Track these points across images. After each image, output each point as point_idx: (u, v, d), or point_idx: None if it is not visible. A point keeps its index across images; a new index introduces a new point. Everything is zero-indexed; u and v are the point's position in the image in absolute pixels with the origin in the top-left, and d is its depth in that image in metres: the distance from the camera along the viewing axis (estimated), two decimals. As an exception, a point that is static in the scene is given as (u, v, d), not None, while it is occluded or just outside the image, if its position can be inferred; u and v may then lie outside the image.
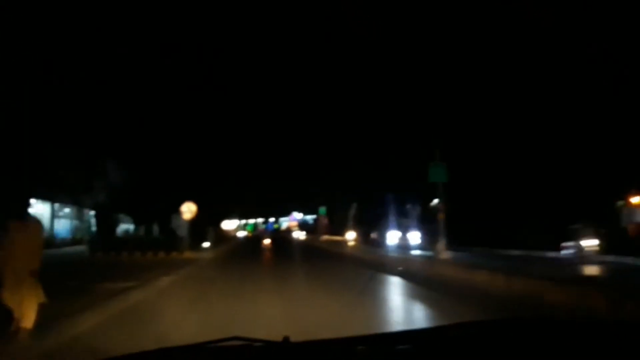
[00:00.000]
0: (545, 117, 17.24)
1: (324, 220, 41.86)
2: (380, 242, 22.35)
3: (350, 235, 27.76)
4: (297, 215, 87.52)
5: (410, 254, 16.14)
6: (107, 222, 21.31)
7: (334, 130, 39.49)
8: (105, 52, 23.73)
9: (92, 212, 24.01)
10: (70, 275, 11.64)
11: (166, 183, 28.86)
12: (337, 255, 21.78)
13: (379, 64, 24.36)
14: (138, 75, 26.02)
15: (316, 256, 21.48)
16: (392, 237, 21.48)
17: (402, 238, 21.30)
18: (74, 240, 26.50)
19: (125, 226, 36.74)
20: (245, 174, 53.25)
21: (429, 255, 14.29)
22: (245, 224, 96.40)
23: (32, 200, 23.52)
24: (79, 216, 28.40)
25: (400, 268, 13.15)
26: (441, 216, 13.05)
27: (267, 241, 35.71)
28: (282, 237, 57.97)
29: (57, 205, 26.36)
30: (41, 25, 20.70)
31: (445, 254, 12.83)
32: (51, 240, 24.22)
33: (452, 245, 13.56)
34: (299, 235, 57.17)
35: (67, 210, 28.24)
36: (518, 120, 17.58)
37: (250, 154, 52.24)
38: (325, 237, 38.84)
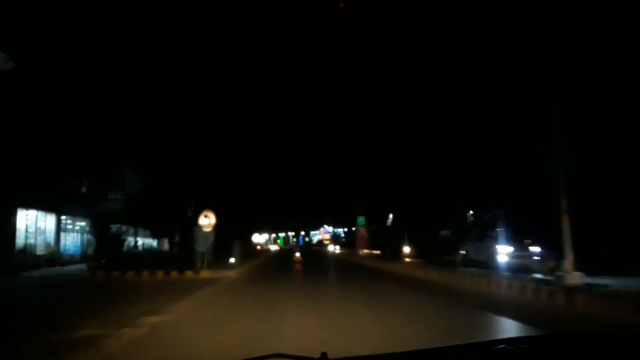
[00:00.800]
0: None
1: (363, 232, 37.31)
2: (482, 261, 15.66)
3: (406, 250, 23.15)
4: (328, 229, 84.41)
5: (526, 277, 11.25)
6: (111, 236, 18.04)
7: (366, 128, 35.42)
8: (121, 53, 21.37)
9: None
10: (28, 309, 8.33)
11: (189, 192, 25.87)
12: (391, 276, 16.97)
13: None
14: (161, 77, 23.65)
15: (366, 278, 16.72)
16: (503, 253, 14.59)
17: (520, 255, 14.40)
18: (84, 257, 23.46)
19: (148, 241, 34.11)
20: (276, 186, 50.31)
21: (547, 279, 9.98)
22: (276, 238, 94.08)
23: (34, 212, 20.72)
24: (92, 230, 25.46)
25: (505, 300, 8.94)
26: (566, 221, 8.76)
27: (298, 254, 32.80)
28: (315, 252, 54.14)
29: (65, 217, 23.47)
30: (57, 26, 18.46)
31: (576, 278, 8.59)
32: (56, 257, 21.27)
33: (586, 265, 9.05)
34: (334, 249, 52.95)
35: (79, 223, 25.42)
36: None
37: (281, 166, 49.29)
38: (365, 251, 34.35)
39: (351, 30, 20.20)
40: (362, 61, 26.91)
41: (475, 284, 12.04)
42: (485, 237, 16.62)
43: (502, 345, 1.79)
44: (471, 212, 30.63)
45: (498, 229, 15.34)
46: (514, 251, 14.86)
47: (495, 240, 15.36)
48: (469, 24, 16.63)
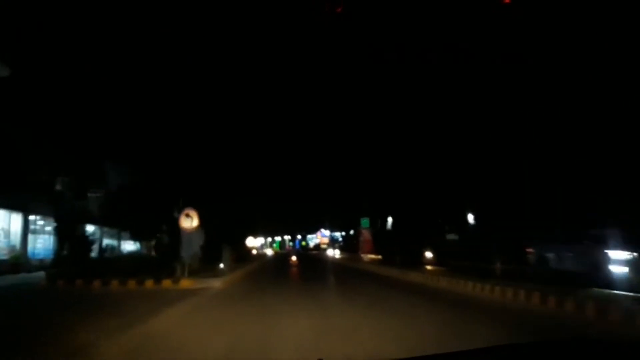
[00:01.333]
0: None
1: (367, 235, 34.56)
2: (576, 272, 11.36)
3: (429, 255, 20.33)
4: (325, 232, 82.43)
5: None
6: (78, 237, 15.56)
7: (366, 129, 33.57)
8: (112, 47, 19.50)
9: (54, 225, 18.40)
10: None
11: (176, 191, 23.52)
12: (418, 289, 13.22)
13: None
14: (153, 71, 21.86)
15: (384, 292, 12.98)
16: (617, 260, 10.32)
17: None
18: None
19: (132, 244, 31.54)
20: (271, 187, 48.33)
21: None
22: (272, 242, 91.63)
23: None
24: (57, 230, 22.97)
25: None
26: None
27: (294, 258, 30.79)
28: (313, 257, 51.15)
29: (35, 217, 20.94)
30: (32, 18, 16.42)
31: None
32: (22, 262, 18.73)
33: None
34: (334, 253, 50.02)
35: (53, 224, 22.83)
36: None
37: (277, 167, 47.38)
38: (371, 256, 31.49)
39: (352, 31, 18.58)
40: (364, 63, 25.31)
41: (536, 301, 9.15)
42: (585, 238, 12.38)
43: (502, 351, 1.86)
44: (471, 215, 28.29)
45: (608, 228, 11.21)
46: (636, 257, 10.56)
47: (603, 242, 11.13)
48: (477, 24, 15.41)
